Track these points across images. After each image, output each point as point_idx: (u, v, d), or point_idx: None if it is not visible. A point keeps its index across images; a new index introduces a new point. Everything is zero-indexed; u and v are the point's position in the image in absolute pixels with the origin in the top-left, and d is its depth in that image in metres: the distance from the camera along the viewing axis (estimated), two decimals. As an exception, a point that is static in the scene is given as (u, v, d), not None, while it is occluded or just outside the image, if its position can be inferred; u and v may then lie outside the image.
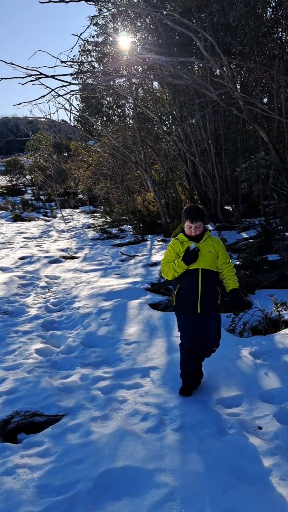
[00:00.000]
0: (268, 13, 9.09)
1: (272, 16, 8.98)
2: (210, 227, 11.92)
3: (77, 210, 25.96)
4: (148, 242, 11.63)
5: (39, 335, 5.27)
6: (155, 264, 8.79)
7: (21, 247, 12.29)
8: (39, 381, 3.86)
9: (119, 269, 8.84)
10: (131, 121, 17.27)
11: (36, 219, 20.81)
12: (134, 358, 4.38)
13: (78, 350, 4.71)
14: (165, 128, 14.52)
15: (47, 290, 7.53)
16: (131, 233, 13.64)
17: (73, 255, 11.03)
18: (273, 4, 8.84)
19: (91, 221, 19.41)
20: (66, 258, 10.71)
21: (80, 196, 30.57)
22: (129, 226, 14.94)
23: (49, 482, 2.54)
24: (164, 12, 8.92)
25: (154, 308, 6.02)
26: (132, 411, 3.30)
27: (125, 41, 11.59)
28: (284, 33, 9.17)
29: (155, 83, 14.40)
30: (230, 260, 3.48)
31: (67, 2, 8.52)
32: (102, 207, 22.69)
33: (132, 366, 4.18)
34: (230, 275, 3.44)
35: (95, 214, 21.67)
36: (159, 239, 11.84)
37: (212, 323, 3.45)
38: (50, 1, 8.32)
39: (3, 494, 2.46)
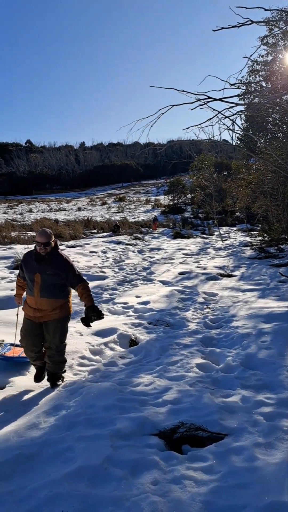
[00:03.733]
0: None
1: None
2: None
3: (234, 228, 25.86)
4: (312, 264, 10.82)
5: (199, 350, 5.39)
6: None
7: (180, 262, 12.85)
8: (201, 396, 3.93)
9: (278, 291, 8.44)
10: (296, 137, 16.47)
11: (195, 236, 21.51)
12: (299, 388, 4.11)
13: (238, 371, 4.66)
14: None
15: (205, 306, 7.68)
16: (292, 253, 12.91)
17: (230, 273, 10.99)
18: None
19: (248, 239, 19.09)
20: (223, 275, 10.75)
21: (237, 214, 30.43)
22: (289, 246, 14.21)
23: (215, 501, 2.52)
24: None
25: None
26: (299, 444, 3.09)
27: (296, 56, 11.23)
28: None
29: None
30: None
31: (238, 26, 8.72)
32: (259, 225, 22.12)
33: (297, 396, 3.93)
34: None
35: (252, 233, 21.24)
36: None
37: None
38: (223, 28, 8.62)
39: (171, 502, 2.53)
